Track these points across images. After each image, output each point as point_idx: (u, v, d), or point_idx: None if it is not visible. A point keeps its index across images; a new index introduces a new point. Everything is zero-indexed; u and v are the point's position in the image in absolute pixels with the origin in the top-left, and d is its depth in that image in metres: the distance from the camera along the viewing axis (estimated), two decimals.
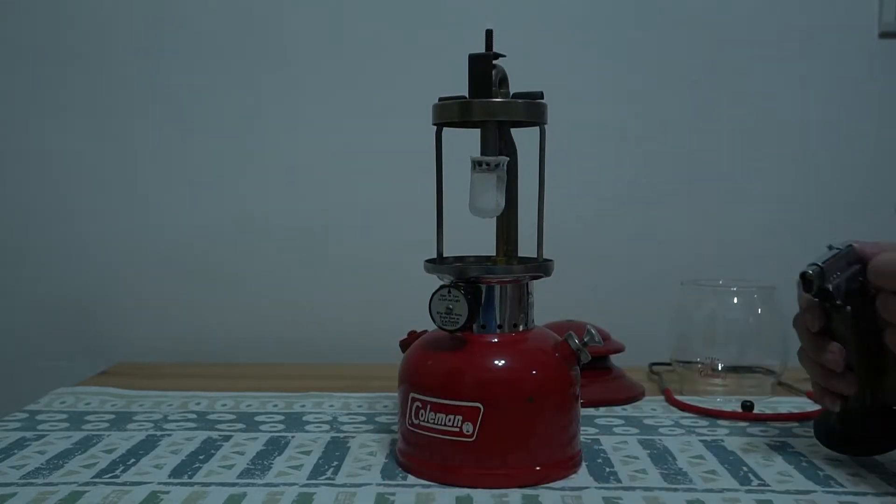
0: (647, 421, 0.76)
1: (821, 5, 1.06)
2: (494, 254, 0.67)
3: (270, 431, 0.73)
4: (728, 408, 0.79)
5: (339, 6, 1.07)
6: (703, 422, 0.76)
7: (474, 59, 0.61)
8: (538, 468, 0.60)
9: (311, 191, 1.09)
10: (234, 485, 0.59)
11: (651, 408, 0.81)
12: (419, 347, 0.64)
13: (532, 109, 0.61)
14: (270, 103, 1.08)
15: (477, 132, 0.63)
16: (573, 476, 0.61)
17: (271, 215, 1.09)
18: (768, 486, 0.59)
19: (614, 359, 0.88)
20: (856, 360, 0.60)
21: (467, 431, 0.58)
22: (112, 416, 0.77)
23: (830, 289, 0.58)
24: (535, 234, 0.64)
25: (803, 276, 0.58)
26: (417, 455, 0.61)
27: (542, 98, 0.62)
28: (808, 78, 1.07)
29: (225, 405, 0.81)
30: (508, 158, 0.62)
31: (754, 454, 0.66)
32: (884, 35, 1.06)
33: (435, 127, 0.64)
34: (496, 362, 0.60)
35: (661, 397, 0.84)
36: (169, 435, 0.71)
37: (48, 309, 1.11)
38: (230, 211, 1.09)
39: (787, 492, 0.58)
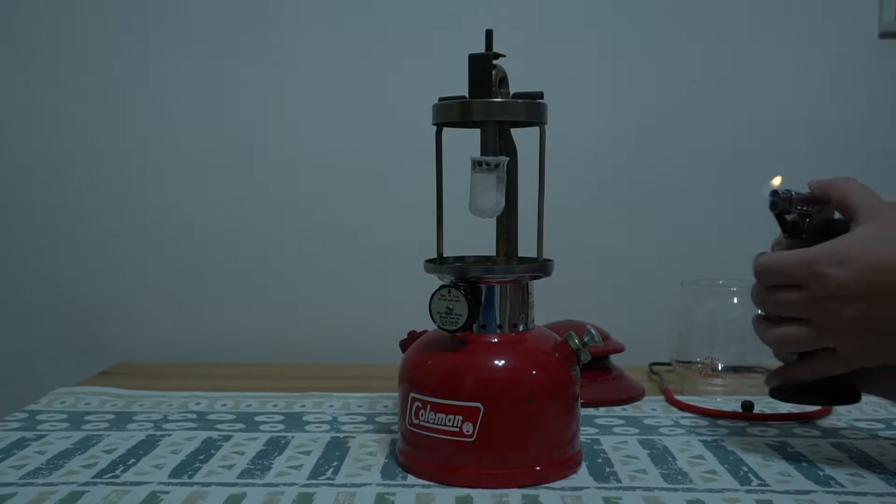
0: (647, 421, 0.76)
1: (821, 5, 1.06)
2: (494, 254, 0.67)
3: (270, 431, 0.73)
4: (728, 408, 0.79)
5: (339, 5, 1.07)
6: (703, 422, 0.76)
7: (474, 59, 0.61)
8: (538, 468, 0.60)
9: (310, 190, 1.09)
10: (234, 485, 0.59)
11: (651, 408, 0.81)
12: (419, 347, 0.64)
13: (532, 109, 0.61)
14: (271, 103, 1.08)
15: (477, 132, 0.63)
16: (573, 476, 0.61)
17: (271, 215, 1.09)
18: (768, 486, 0.59)
19: (614, 359, 0.88)
20: None
21: (467, 431, 0.58)
22: (112, 416, 0.77)
23: (800, 204, 0.60)
24: (535, 234, 0.64)
25: (773, 192, 0.60)
26: (417, 455, 0.61)
27: (542, 98, 0.62)
28: (808, 78, 1.07)
29: (225, 405, 0.81)
30: (508, 158, 0.62)
31: (754, 454, 0.66)
32: (884, 35, 1.06)
33: (435, 127, 0.64)
34: (496, 362, 0.60)
35: (661, 397, 0.84)
36: (169, 435, 0.71)
37: (48, 309, 1.11)
38: (230, 210, 1.09)
39: (787, 492, 0.58)
